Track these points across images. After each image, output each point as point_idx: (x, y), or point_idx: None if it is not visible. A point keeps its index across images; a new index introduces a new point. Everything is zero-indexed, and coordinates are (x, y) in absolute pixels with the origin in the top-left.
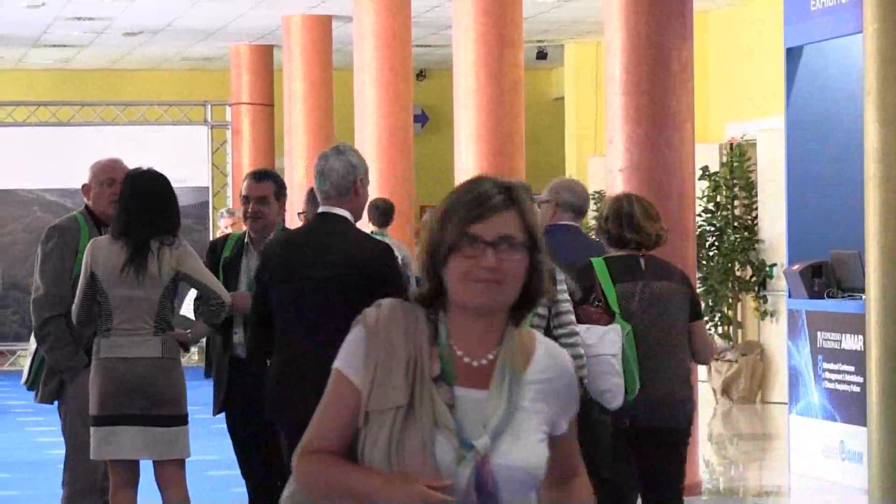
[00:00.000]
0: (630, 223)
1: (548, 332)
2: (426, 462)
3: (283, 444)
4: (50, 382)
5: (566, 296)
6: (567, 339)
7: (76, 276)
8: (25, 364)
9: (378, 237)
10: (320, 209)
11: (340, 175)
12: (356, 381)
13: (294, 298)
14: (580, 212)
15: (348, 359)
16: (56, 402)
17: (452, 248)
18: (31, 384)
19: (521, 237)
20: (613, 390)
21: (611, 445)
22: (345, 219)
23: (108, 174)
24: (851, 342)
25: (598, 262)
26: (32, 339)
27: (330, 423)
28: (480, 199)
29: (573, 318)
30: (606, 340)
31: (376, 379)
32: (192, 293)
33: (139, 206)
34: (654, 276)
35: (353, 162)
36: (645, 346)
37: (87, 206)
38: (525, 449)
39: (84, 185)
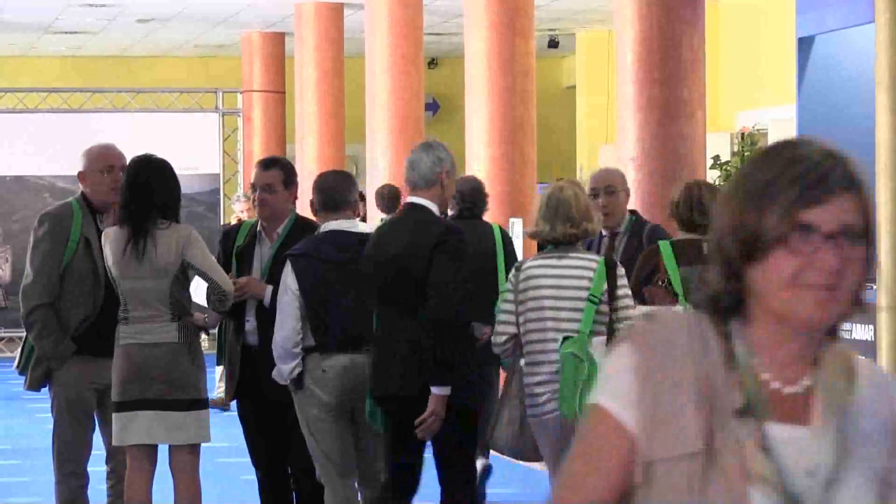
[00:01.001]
0: (700, 207)
1: (611, 325)
2: None
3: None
4: (37, 369)
5: (628, 290)
6: None
7: (67, 264)
8: (18, 349)
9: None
10: (408, 199)
11: (427, 167)
12: (628, 423)
13: (383, 283)
14: None
15: (614, 392)
16: (47, 390)
17: (776, 241)
18: (23, 370)
19: (861, 226)
20: None
21: None
22: (424, 208)
23: (106, 161)
24: (862, 332)
25: (664, 245)
26: None
27: (592, 477)
28: (816, 173)
29: (634, 311)
30: None
31: (657, 417)
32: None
33: (137, 192)
34: None
35: (440, 156)
36: None
37: (83, 194)
38: None
39: (80, 173)
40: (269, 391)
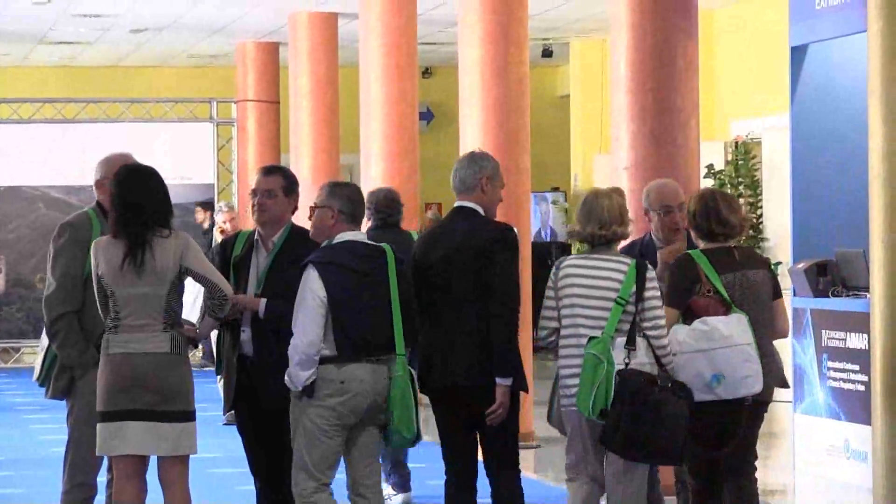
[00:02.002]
0: (717, 217)
1: (633, 326)
2: None
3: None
4: (61, 378)
5: (657, 292)
6: (652, 331)
7: (87, 272)
8: (38, 359)
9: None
10: (456, 203)
11: (467, 174)
12: None
13: (439, 280)
14: None
15: None
16: (65, 399)
17: None
18: (43, 380)
19: None
20: (753, 376)
21: (687, 434)
22: (472, 210)
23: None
24: (856, 341)
25: (697, 255)
26: (44, 334)
27: None
28: None
29: (661, 312)
30: (738, 330)
31: None
32: (189, 293)
33: (128, 201)
34: (747, 266)
35: (480, 163)
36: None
37: (98, 203)
38: None
39: (96, 182)
40: (266, 401)
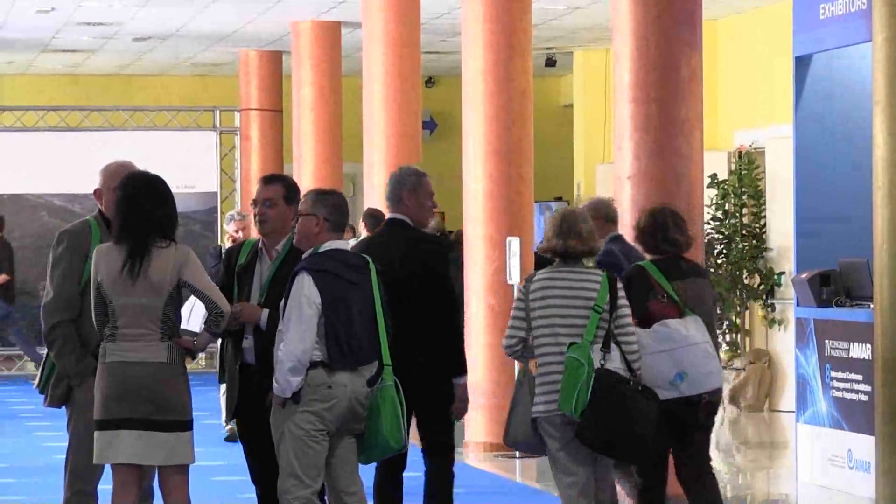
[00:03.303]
0: (664, 235)
1: (608, 333)
2: None
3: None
4: (58, 386)
5: (626, 301)
6: (625, 337)
7: (86, 280)
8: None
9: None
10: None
11: (389, 188)
12: None
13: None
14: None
15: None
16: (64, 407)
17: None
18: (42, 388)
19: None
20: (714, 372)
21: (655, 432)
22: (400, 221)
23: (120, 179)
24: (859, 351)
25: (647, 265)
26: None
27: None
28: None
29: (631, 320)
30: (696, 329)
31: None
32: (194, 305)
33: (132, 209)
34: (694, 274)
35: (400, 179)
36: None
37: (100, 211)
38: None
39: (96, 190)
40: (268, 410)
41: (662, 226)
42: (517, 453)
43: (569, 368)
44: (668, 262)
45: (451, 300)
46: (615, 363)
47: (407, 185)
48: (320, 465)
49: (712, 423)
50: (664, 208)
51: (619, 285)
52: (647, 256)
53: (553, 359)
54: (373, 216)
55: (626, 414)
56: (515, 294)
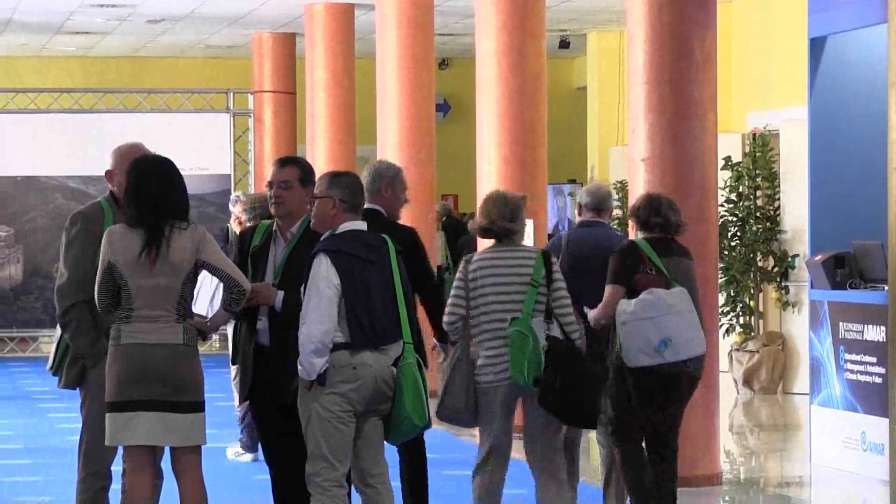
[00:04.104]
0: (657, 210)
1: (548, 304)
2: None
3: None
4: (73, 368)
5: (561, 275)
6: (561, 309)
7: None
8: (51, 349)
9: None
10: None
11: (368, 180)
12: None
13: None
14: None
15: None
16: (78, 388)
17: None
18: (56, 370)
19: None
20: (697, 340)
21: (601, 393)
22: (374, 211)
23: (132, 160)
24: (874, 333)
25: (639, 241)
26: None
27: None
28: None
29: (567, 293)
30: (681, 299)
31: None
32: (201, 286)
33: (144, 193)
34: (681, 254)
35: (380, 171)
36: None
37: (111, 192)
38: None
39: (107, 172)
40: (283, 391)
41: (657, 203)
42: None
43: (514, 341)
44: (660, 240)
45: (429, 276)
46: (556, 333)
47: (386, 177)
48: (348, 446)
49: (688, 397)
50: (661, 193)
51: (554, 261)
52: (642, 234)
53: (497, 333)
54: None
55: (579, 378)
56: (457, 274)
